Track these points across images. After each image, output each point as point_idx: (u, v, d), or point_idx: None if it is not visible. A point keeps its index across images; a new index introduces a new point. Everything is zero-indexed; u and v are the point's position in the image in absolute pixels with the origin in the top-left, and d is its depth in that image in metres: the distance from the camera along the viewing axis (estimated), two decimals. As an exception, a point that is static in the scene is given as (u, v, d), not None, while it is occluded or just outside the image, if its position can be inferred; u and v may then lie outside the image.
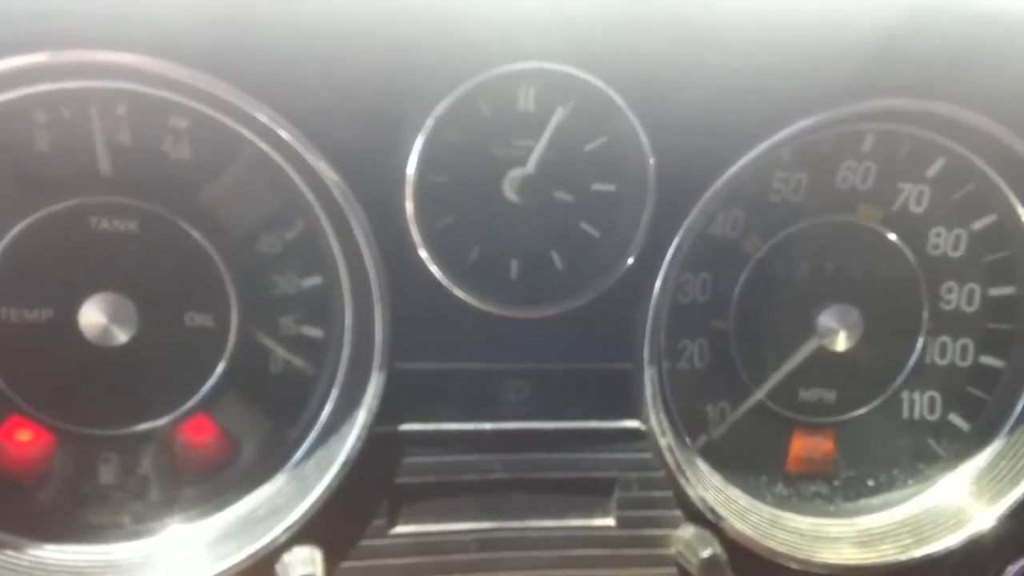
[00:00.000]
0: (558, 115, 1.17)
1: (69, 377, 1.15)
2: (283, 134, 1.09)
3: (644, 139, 1.16)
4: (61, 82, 1.06)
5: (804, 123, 1.18)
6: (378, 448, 1.17)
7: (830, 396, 1.36)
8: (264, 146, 1.12)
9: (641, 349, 1.21)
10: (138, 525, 1.20)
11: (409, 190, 1.12)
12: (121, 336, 1.14)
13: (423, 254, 1.15)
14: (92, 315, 1.12)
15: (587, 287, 1.21)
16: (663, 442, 1.23)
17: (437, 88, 1.11)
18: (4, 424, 1.15)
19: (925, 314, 1.35)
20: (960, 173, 1.31)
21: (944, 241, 1.34)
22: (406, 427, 1.19)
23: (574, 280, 1.22)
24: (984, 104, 1.22)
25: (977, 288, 1.36)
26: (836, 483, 1.38)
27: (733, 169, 1.18)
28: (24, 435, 1.17)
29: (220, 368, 1.20)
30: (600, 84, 1.14)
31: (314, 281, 1.21)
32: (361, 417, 1.16)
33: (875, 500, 1.37)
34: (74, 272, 1.13)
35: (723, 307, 1.31)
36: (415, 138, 1.11)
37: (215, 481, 1.22)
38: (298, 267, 1.20)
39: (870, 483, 1.38)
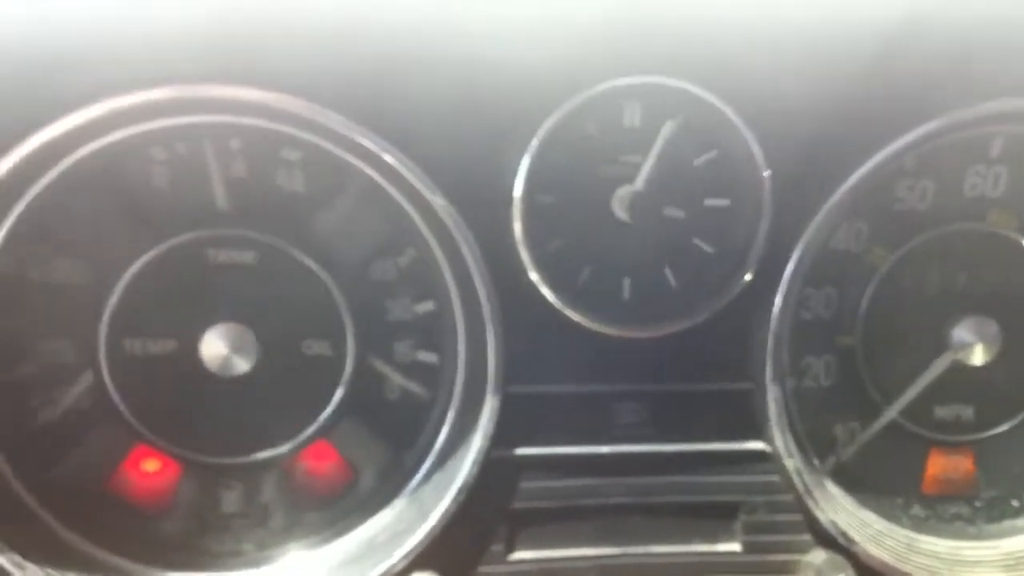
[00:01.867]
0: (666, 130, 1.15)
1: (192, 407, 1.18)
2: (390, 160, 1.10)
3: (757, 151, 1.13)
4: (178, 118, 1.09)
5: (925, 128, 1.13)
6: (495, 472, 1.17)
7: (968, 413, 1.29)
8: (373, 174, 1.13)
9: (763, 368, 1.17)
10: (260, 552, 1.22)
11: (517, 212, 1.12)
12: (242, 365, 1.16)
13: (533, 276, 1.15)
14: (214, 346, 1.15)
15: (703, 305, 1.18)
16: (790, 464, 1.19)
17: (541, 107, 1.10)
18: (131, 454, 1.19)
19: None
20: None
21: (1085, 248, 1.27)
22: (522, 451, 1.18)
23: (689, 298, 1.19)
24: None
25: None
26: (978, 504, 1.31)
27: (853, 179, 1.14)
28: (151, 465, 1.20)
29: (338, 395, 1.21)
30: (709, 97, 1.12)
31: (427, 307, 1.21)
32: (477, 441, 1.15)
33: (1020, 522, 1.30)
34: (194, 304, 1.16)
35: (849, 323, 1.26)
36: (521, 159, 1.11)
37: (335, 507, 1.24)
38: (411, 293, 1.21)
39: (1015, 503, 1.31)
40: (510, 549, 1.19)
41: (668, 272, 1.20)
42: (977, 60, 1.13)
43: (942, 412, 1.29)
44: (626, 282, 1.20)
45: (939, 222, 1.25)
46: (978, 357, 1.24)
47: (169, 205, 1.15)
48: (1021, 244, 1.26)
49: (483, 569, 1.18)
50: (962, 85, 1.13)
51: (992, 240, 1.26)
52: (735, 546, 1.22)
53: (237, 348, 1.15)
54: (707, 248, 1.19)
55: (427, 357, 1.23)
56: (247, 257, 1.17)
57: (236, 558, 1.21)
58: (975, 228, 1.25)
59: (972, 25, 1.13)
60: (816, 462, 1.26)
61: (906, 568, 1.21)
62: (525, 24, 1.09)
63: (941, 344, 1.25)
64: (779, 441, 1.19)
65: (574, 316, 1.16)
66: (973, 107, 1.14)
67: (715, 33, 1.11)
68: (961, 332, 1.24)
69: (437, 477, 1.20)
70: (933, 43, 1.13)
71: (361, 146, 1.10)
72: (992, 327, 1.24)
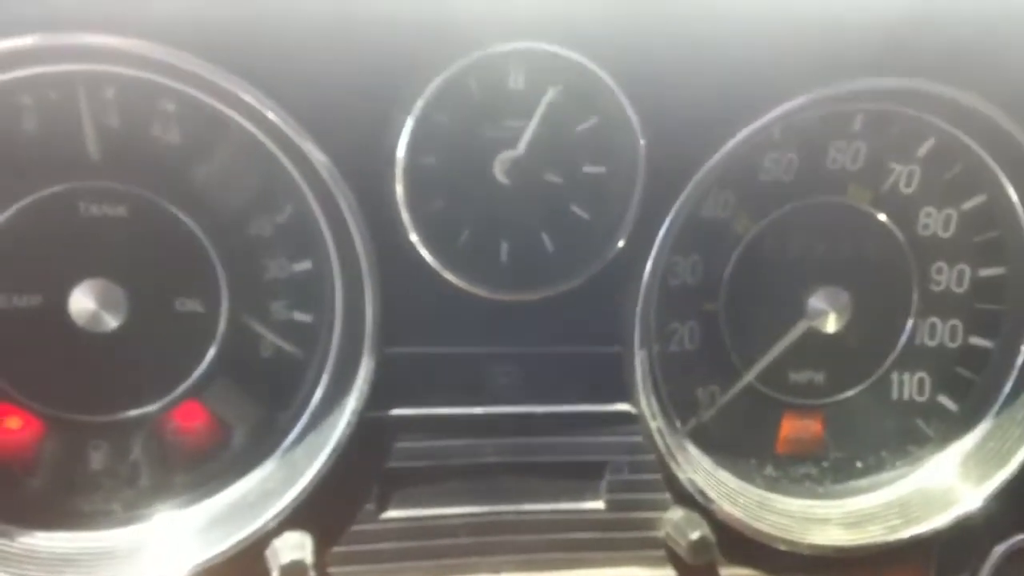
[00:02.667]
0: (549, 96, 1.16)
1: (59, 363, 1.15)
2: (271, 116, 1.08)
3: (635, 120, 1.16)
4: (49, 65, 1.05)
5: (793, 103, 1.18)
6: (368, 433, 1.17)
7: (819, 378, 1.36)
8: (253, 128, 1.11)
9: (632, 332, 1.21)
10: (128, 512, 1.20)
11: (399, 173, 1.12)
12: (111, 322, 1.13)
13: (413, 237, 1.15)
14: (82, 301, 1.12)
15: (577, 270, 1.21)
16: (653, 425, 1.23)
17: (427, 69, 1.10)
18: (-9, 411, 1.15)
19: (915, 295, 1.35)
20: (950, 153, 1.31)
21: (934, 221, 1.34)
22: (396, 412, 1.19)
23: (564, 263, 1.21)
24: (975, 83, 1.22)
25: (967, 269, 1.36)
26: (825, 465, 1.38)
27: (724, 150, 1.18)
28: (13, 422, 1.16)
29: (211, 354, 1.19)
30: (591, 64, 1.13)
31: (304, 265, 1.20)
32: (351, 402, 1.16)
33: (864, 481, 1.38)
34: (63, 258, 1.12)
35: (713, 289, 1.31)
36: (405, 119, 1.10)
37: (206, 467, 1.22)
38: (289, 251, 1.20)
39: (859, 464, 1.39)
40: (382, 508, 1.20)
41: (545, 237, 1.21)
42: (843, 40, 1.18)
43: (796, 377, 1.35)
44: (504, 245, 1.21)
45: (801, 194, 1.30)
46: (831, 325, 1.31)
47: (40, 155, 1.10)
48: (875, 217, 1.32)
49: (355, 528, 1.19)
50: (828, 64, 1.18)
51: (849, 212, 1.32)
52: (600, 504, 1.26)
53: (106, 304, 1.12)
54: (583, 214, 1.21)
55: (302, 316, 1.22)
56: (119, 210, 1.13)
57: (105, 517, 1.19)
58: (834, 200, 1.31)
59: (840, 7, 1.18)
60: (678, 424, 1.30)
61: (759, 525, 1.27)
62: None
63: (797, 312, 1.31)
64: (644, 403, 1.23)
65: (452, 278, 1.17)
66: (837, 84, 1.19)
67: (599, 2, 1.13)
68: (816, 301, 1.30)
69: (310, 437, 1.20)
70: (802, 22, 1.17)
71: (242, 100, 1.07)
72: (844, 297, 1.30)
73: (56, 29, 1.01)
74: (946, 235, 1.34)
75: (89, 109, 1.10)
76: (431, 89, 1.10)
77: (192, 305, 1.17)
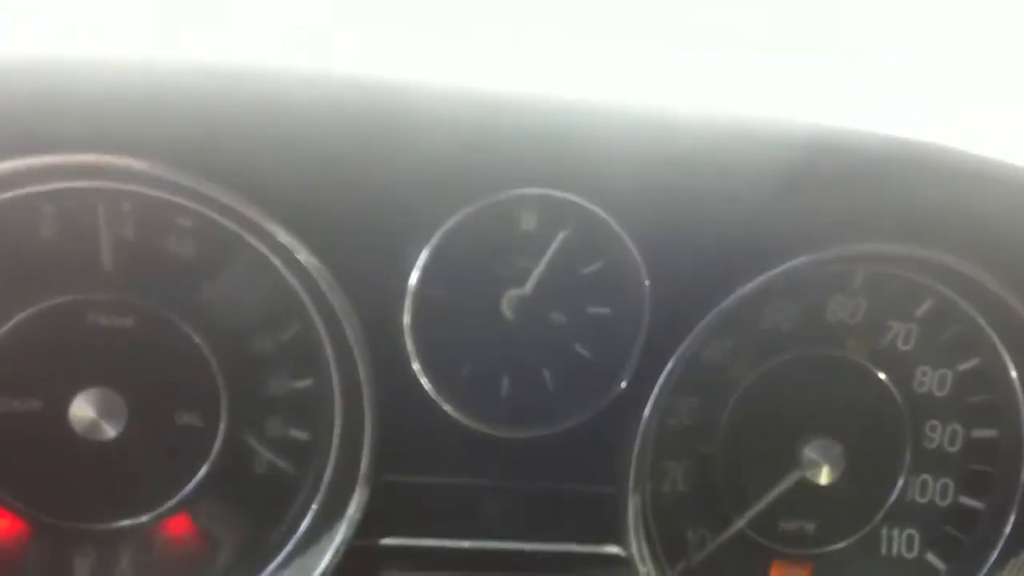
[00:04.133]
0: (559, 239, 1.19)
1: (53, 469, 1.14)
2: (282, 239, 1.10)
3: (641, 265, 1.18)
4: (70, 181, 1.07)
5: (796, 262, 1.21)
6: (357, 561, 1.17)
7: (810, 528, 1.35)
8: (264, 250, 1.13)
9: (627, 474, 1.22)
10: (110, 623, 1.19)
11: (408, 303, 1.14)
12: (110, 431, 1.13)
13: (415, 366, 1.16)
14: (82, 409, 1.12)
15: (577, 409, 1.22)
16: (642, 570, 1.23)
17: (445, 207, 1.13)
18: (-17, 514, 1.14)
19: (908, 452, 1.36)
20: (947, 315, 1.33)
21: (930, 380, 1.35)
22: (387, 541, 1.19)
23: (564, 401, 1.22)
24: (972, 251, 1.25)
25: (960, 429, 1.37)
26: (813, 614, 1.38)
27: (727, 301, 1.20)
28: (3, 524, 1.15)
29: (204, 468, 1.19)
30: (600, 212, 1.16)
31: (305, 383, 1.21)
32: (342, 529, 1.16)
33: (850, 632, 1.37)
34: (68, 365, 1.13)
35: (710, 432, 1.32)
36: (420, 252, 1.13)
37: (191, 582, 1.21)
38: (290, 369, 1.21)
39: (846, 615, 1.38)
40: None
41: (546, 374, 1.23)
42: (846, 204, 1.21)
43: (786, 525, 1.35)
44: (505, 380, 1.22)
45: (800, 344, 1.32)
46: (823, 477, 1.31)
47: (54, 263, 1.12)
48: (872, 372, 1.34)
49: None
50: (832, 225, 1.21)
51: (846, 366, 1.33)
52: None
53: (106, 413, 1.13)
54: (586, 354, 1.23)
55: (299, 434, 1.22)
56: (126, 322, 1.14)
57: (87, 628, 1.18)
58: (832, 353, 1.33)
59: (843, 172, 1.21)
60: (666, 566, 1.30)
61: (745, 672, 1.27)
62: (439, 129, 1.11)
63: (791, 461, 1.31)
64: (635, 547, 1.23)
65: (450, 410, 1.19)
66: (840, 247, 1.22)
67: (609, 152, 1.16)
68: (810, 451, 1.31)
69: (298, 561, 1.20)
70: (807, 183, 1.20)
71: (254, 222, 1.10)
72: (838, 449, 1.31)
73: (79, 150, 1.04)
74: (941, 394, 1.36)
75: (106, 222, 1.13)
76: (448, 225, 1.13)
77: (191, 419, 1.18)
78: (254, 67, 1.07)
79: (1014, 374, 1.34)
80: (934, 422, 1.37)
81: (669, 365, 1.21)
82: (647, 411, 1.21)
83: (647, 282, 1.19)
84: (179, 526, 1.20)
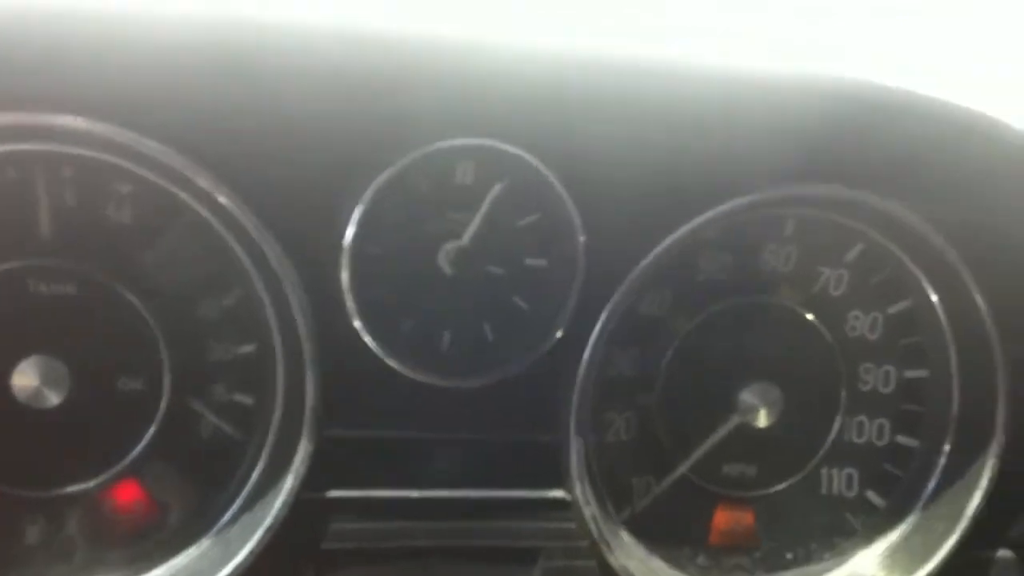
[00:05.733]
0: (495, 191, 1.21)
1: None
2: (222, 200, 1.11)
3: (575, 217, 1.21)
4: (8, 144, 1.08)
5: (726, 206, 1.23)
6: (304, 514, 1.18)
7: (751, 471, 1.38)
8: (204, 212, 1.14)
9: (568, 421, 1.24)
10: (61, 587, 1.19)
11: (346, 260, 1.15)
12: (53, 399, 1.14)
13: (357, 324, 1.18)
14: (24, 377, 1.13)
15: (516, 359, 1.24)
16: (587, 512, 1.25)
17: (378, 160, 1.14)
18: (-74, 480, 1.14)
19: (843, 394, 1.39)
20: (877, 259, 1.36)
21: (861, 324, 1.39)
22: (333, 494, 1.20)
23: (504, 352, 1.25)
24: (900, 193, 1.28)
25: (892, 370, 1.41)
26: (757, 556, 1.40)
27: (659, 249, 1.22)
28: (-52, 492, 1.16)
29: (149, 433, 1.20)
30: (535, 162, 1.18)
31: (248, 348, 1.22)
32: (288, 482, 1.17)
33: (793, 573, 1.40)
34: (9, 334, 1.13)
35: (650, 382, 1.34)
36: (354, 209, 1.14)
37: (140, 545, 1.22)
38: (233, 334, 1.22)
39: (788, 556, 1.41)
40: None
41: (486, 326, 1.25)
42: (777, 146, 1.22)
43: (728, 469, 1.38)
44: (446, 334, 1.24)
45: (735, 293, 1.35)
46: (761, 420, 1.34)
47: None
48: (805, 317, 1.37)
49: None
50: (763, 169, 1.24)
51: (780, 312, 1.36)
52: None
53: (48, 380, 1.13)
54: (523, 305, 1.25)
55: (244, 399, 1.23)
56: (68, 288, 1.15)
57: (37, 593, 1.18)
58: (767, 300, 1.36)
59: (776, 115, 1.21)
60: (613, 512, 1.33)
61: (691, 613, 1.30)
62: (369, 78, 1.11)
63: (730, 406, 1.34)
64: (579, 490, 1.25)
65: (394, 364, 1.20)
66: (770, 190, 1.25)
67: (546, 102, 1.17)
68: (747, 396, 1.34)
69: (246, 517, 1.21)
70: (739, 128, 1.21)
71: (195, 184, 1.11)
72: (775, 392, 1.34)
73: (15, 108, 1.04)
74: (873, 337, 1.39)
75: (45, 188, 1.13)
76: (381, 180, 1.14)
77: (134, 384, 1.18)
78: (192, 17, 1.07)
79: (942, 315, 1.37)
80: (868, 364, 1.40)
81: (604, 314, 1.23)
82: (584, 359, 1.23)
83: (582, 232, 1.21)
84: (127, 491, 1.21)
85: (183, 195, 1.14)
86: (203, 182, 1.10)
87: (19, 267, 1.14)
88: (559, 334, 1.24)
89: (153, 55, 1.07)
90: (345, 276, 1.16)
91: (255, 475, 1.22)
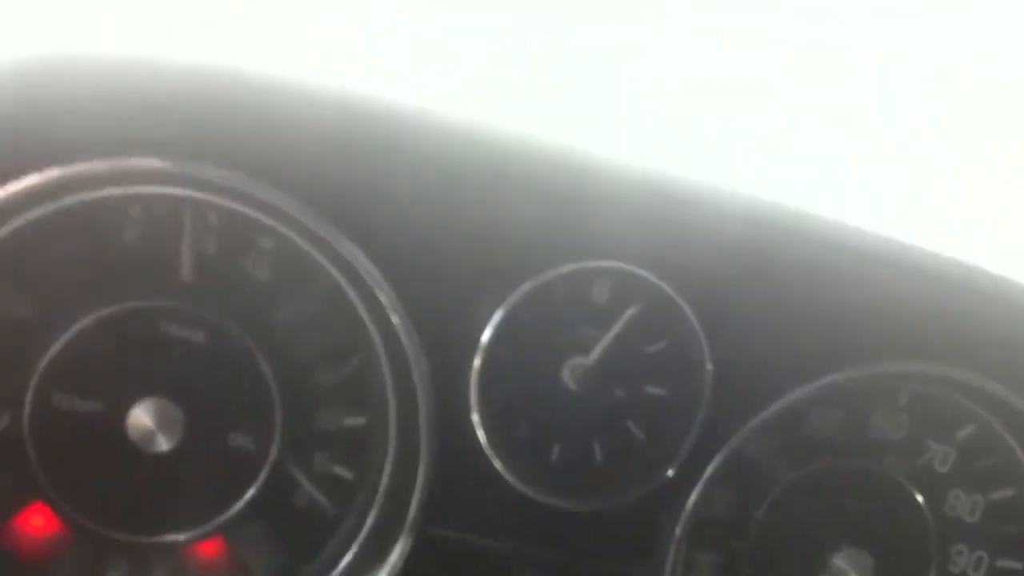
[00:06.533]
0: (628, 314, 1.21)
1: (102, 475, 1.14)
2: (362, 271, 1.12)
3: (705, 349, 1.20)
4: (159, 187, 1.09)
5: (851, 372, 1.23)
6: None
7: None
8: (342, 279, 1.15)
9: (664, 560, 1.22)
10: (132, 636, 1.17)
11: (479, 356, 1.15)
12: (163, 444, 1.13)
13: (474, 417, 1.17)
14: (141, 418, 1.12)
15: (622, 488, 1.23)
16: None
17: (524, 270, 1.15)
18: (27, 509, 1.13)
19: (932, 573, 1.37)
20: (986, 442, 1.35)
21: (962, 504, 1.37)
22: None
23: (610, 478, 1.23)
24: (1012, 379, 1.27)
25: (986, 556, 1.38)
26: None
27: (783, 401, 1.22)
28: (37, 520, 1.14)
29: (249, 493, 1.19)
30: (670, 291, 1.18)
31: (358, 421, 1.21)
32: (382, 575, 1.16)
33: None
34: (133, 372, 1.13)
35: (742, 528, 1.32)
36: (495, 311, 1.15)
37: (218, 605, 1.20)
38: (345, 404, 1.21)
39: None
40: None
41: (596, 447, 1.24)
42: (895, 321, 1.25)
43: None
44: (556, 446, 1.23)
45: (841, 453, 1.33)
46: (849, 586, 1.32)
47: (135, 267, 1.12)
48: (907, 489, 1.35)
49: None
50: (882, 341, 1.24)
51: (883, 480, 1.34)
52: None
53: (163, 425, 1.12)
54: (638, 433, 1.24)
55: (343, 472, 1.22)
56: (197, 335, 1.15)
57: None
58: (870, 465, 1.34)
59: (897, 290, 1.25)
60: None
61: None
62: (532, 190, 1.14)
63: (820, 568, 1.32)
64: None
65: (499, 467, 1.19)
66: (884, 364, 1.25)
67: (693, 236, 1.19)
68: (839, 560, 1.31)
69: (331, 599, 1.19)
70: (866, 297, 1.23)
71: (337, 251, 1.11)
72: (867, 561, 1.32)
73: (172, 156, 1.05)
74: (971, 520, 1.37)
75: (191, 232, 1.13)
76: (524, 289, 1.15)
77: (244, 442, 1.18)
78: (363, 96, 1.09)
79: (1044, 508, 1.36)
80: (961, 547, 1.38)
81: (719, 458, 1.22)
82: (691, 500, 1.22)
83: (710, 366, 1.21)
84: (214, 549, 1.19)
85: (323, 260, 1.14)
86: (346, 252, 1.11)
87: (154, 307, 1.14)
88: (671, 472, 1.23)
89: (318, 124, 1.10)
90: (475, 370, 1.16)
91: (348, 557, 1.21)
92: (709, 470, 1.22)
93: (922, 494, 1.35)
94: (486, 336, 1.15)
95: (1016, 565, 1.38)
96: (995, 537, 1.38)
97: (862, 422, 1.34)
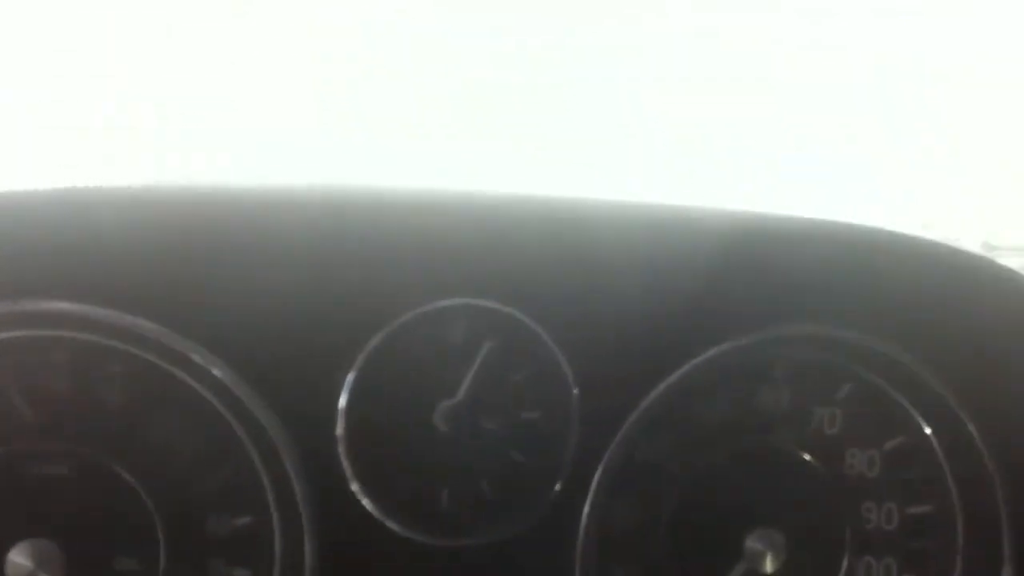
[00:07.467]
0: (486, 347, 1.22)
1: None
2: (217, 374, 1.12)
3: (568, 370, 1.22)
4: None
5: (715, 351, 1.25)
6: None
7: (759, 618, 1.36)
8: (198, 387, 1.15)
9: None
10: None
11: (340, 424, 1.16)
12: None
13: (354, 487, 1.17)
14: (18, 561, 1.11)
15: (516, 515, 1.23)
16: None
17: (366, 326, 1.16)
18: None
19: (847, 534, 1.38)
20: (868, 396, 1.37)
21: (859, 461, 1.38)
22: None
23: (504, 508, 1.23)
24: (886, 330, 1.30)
25: (895, 507, 1.40)
26: None
27: (651, 397, 1.23)
28: None
29: None
30: (523, 318, 1.20)
31: (244, 520, 1.20)
32: None
33: None
34: (4, 518, 1.12)
35: (654, 534, 1.32)
36: (347, 375, 1.15)
37: None
38: (228, 506, 1.20)
39: None
40: None
41: (484, 483, 1.24)
42: (762, 288, 1.27)
43: None
44: (444, 492, 1.23)
45: (732, 437, 1.35)
46: (768, 565, 1.32)
47: None
48: (800, 457, 1.37)
49: None
50: (748, 312, 1.27)
51: (778, 454, 1.36)
52: None
53: (42, 563, 1.11)
54: (521, 459, 1.25)
55: (242, 572, 1.21)
56: (61, 470, 1.14)
57: None
58: (763, 442, 1.36)
59: (755, 256, 1.28)
60: None
61: None
62: (349, 248, 1.15)
63: (736, 553, 1.33)
64: None
65: (393, 526, 1.19)
66: (758, 332, 1.27)
67: (528, 258, 1.21)
68: (753, 542, 1.32)
69: None
70: (721, 271, 1.26)
71: (188, 359, 1.12)
72: (779, 537, 1.33)
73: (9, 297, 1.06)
74: (872, 474, 1.39)
75: (37, 372, 1.13)
76: (371, 345, 1.16)
77: (130, 564, 1.16)
78: (169, 193, 1.11)
79: (939, 449, 1.37)
80: (869, 503, 1.39)
81: (602, 465, 1.23)
82: (584, 512, 1.23)
83: (575, 390, 1.22)
84: None
85: (177, 372, 1.15)
86: (198, 358, 1.11)
87: (11, 451, 1.13)
88: (557, 487, 1.23)
89: (134, 235, 1.12)
90: (340, 440, 1.16)
91: None
92: (595, 479, 1.22)
93: (818, 459, 1.37)
94: (343, 402, 1.15)
95: (926, 508, 1.39)
96: (899, 486, 1.39)
97: (745, 402, 1.35)
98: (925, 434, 1.37)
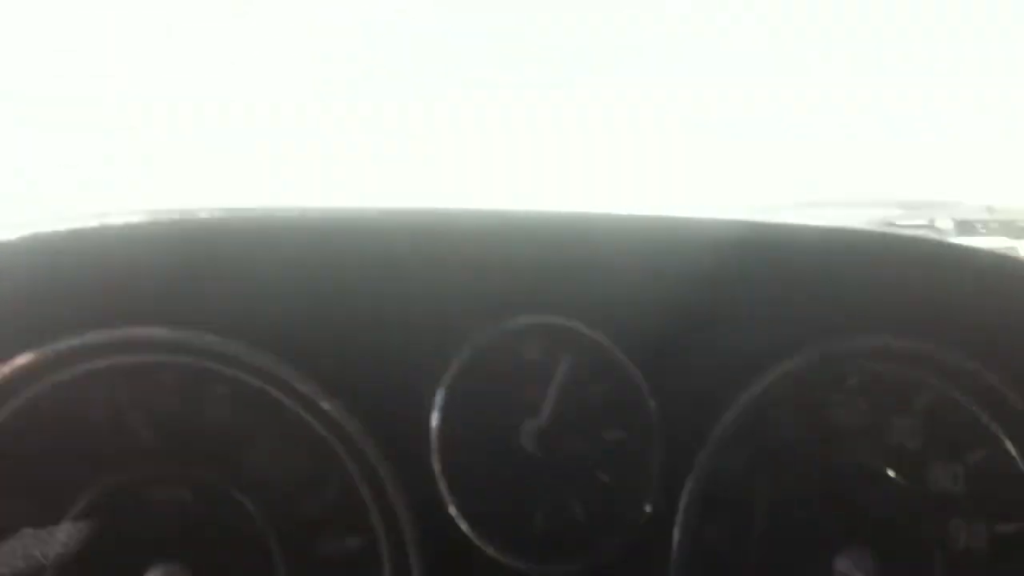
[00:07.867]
0: (564, 365, 1.27)
1: None
2: (325, 405, 1.19)
3: (644, 385, 1.26)
4: (113, 358, 1.18)
5: (792, 363, 1.29)
6: None
7: (855, 643, 1.35)
8: (302, 412, 1.22)
9: None
10: None
11: (435, 445, 1.22)
12: None
13: (452, 511, 1.22)
14: None
15: (609, 538, 1.26)
16: None
17: (451, 343, 1.23)
18: None
19: (937, 553, 1.38)
20: (947, 408, 1.37)
21: (943, 476, 1.38)
22: None
23: (596, 531, 1.27)
24: (964, 344, 1.33)
25: (983, 526, 1.38)
26: None
27: (732, 410, 1.27)
28: None
29: None
30: (596, 335, 1.26)
31: (354, 541, 1.25)
32: None
33: None
34: (131, 544, 1.19)
35: (745, 553, 1.34)
36: (436, 391, 1.22)
37: None
38: (338, 528, 1.25)
39: None
40: None
41: (575, 506, 1.28)
42: (839, 300, 1.31)
43: None
44: (538, 515, 1.27)
45: (812, 452, 1.36)
46: (859, 587, 1.32)
47: (104, 444, 1.20)
48: (886, 473, 1.38)
49: None
50: (825, 323, 1.30)
51: (861, 469, 1.37)
52: None
53: None
54: (608, 480, 1.28)
55: None
56: (184, 493, 1.21)
57: None
58: (845, 458, 1.37)
59: (837, 270, 1.32)
60: None
61: None
62: (435, 267, 1.23)
63: (824, 573, 1.33)
64: None
65: (491, 551, 1.23)
66: (832, 344, 1.31)
67: (607, 277, 1.26)
68: (842, 563, 1.32)
69: None
70: (799, 284, 1.30)
71: (293, 387, 1.20)
72: (868, 557, 1.33)
73: (113, 325, 1.15)
74: (957, 490, 1.38)
75: (151, 397, 1.21)
76: (456, 363, 1.23)
77: None
78: (253, 221, 1.19)
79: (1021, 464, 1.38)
80: (958, 521, 1.38)
81: (688, 484, 1.26)
82: (676, 533, 1.25)
83: (652, 403, 1.26)
84: None
85: (282, 397, 1.21)
86: (304, 388, 1.18)
87: (135, 476, 1.20)
88: (647, 508, 1.26)
89: (240, 265, 1.21)
90: (436, 462, 1.21)
91: None
92: (684, 496, 1.25)
93: (901, 474, 1.38)
94: (435, 421, 1.22)
95: (1016, 527, 1.38)
96: (986, 504, 1.38)
97: (823, 415, 1.37)
98: (1006, 448, 1.38)
